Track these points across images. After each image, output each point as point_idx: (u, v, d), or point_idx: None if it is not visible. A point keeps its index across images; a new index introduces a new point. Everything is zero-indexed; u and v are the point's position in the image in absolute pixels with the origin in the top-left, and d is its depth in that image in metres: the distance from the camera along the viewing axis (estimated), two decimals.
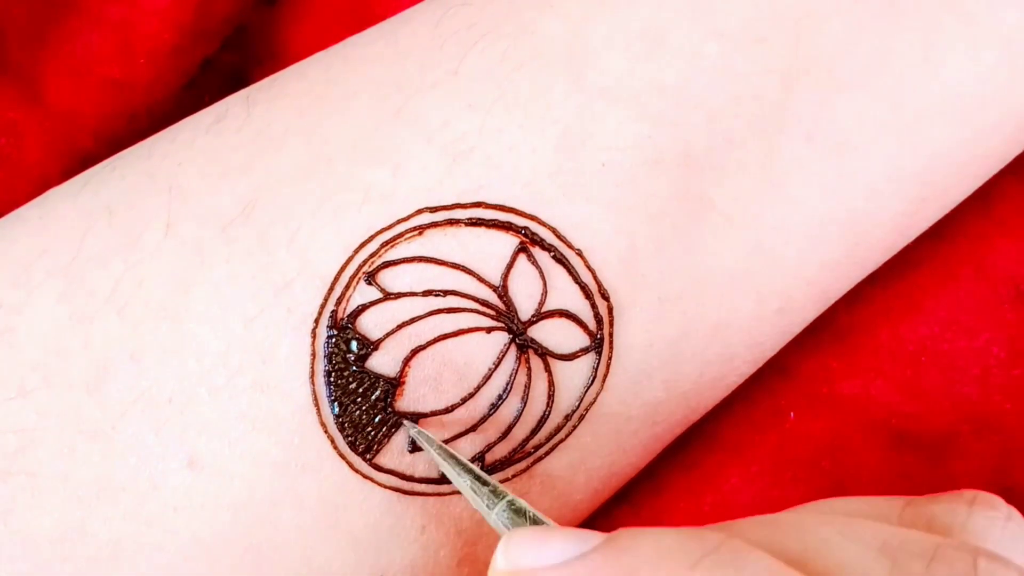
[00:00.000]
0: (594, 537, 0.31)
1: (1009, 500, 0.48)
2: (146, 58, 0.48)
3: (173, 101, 0.49)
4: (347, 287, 0.38)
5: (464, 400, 0.39)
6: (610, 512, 0.49)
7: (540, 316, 0.39)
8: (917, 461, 0.48)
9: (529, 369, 0.39)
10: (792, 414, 0.49)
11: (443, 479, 0.39)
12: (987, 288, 0.50)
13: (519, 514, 0.35)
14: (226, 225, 0.39)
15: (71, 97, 0.48)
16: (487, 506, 0.35)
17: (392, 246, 0.38)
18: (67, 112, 0.48)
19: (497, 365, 0.39)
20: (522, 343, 0.39)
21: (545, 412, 0.40)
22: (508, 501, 0.35)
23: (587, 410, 0.40)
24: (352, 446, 0.38)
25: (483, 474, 0.36)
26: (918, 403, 0.49)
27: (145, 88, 0.48)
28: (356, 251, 0.38)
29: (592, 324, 0.40)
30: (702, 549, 0.29)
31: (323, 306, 0.38)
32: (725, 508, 0.49)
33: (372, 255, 0.38)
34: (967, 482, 0.48)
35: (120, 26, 0.47)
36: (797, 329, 0.45)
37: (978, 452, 0.48)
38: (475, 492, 0.36)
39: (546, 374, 0.40)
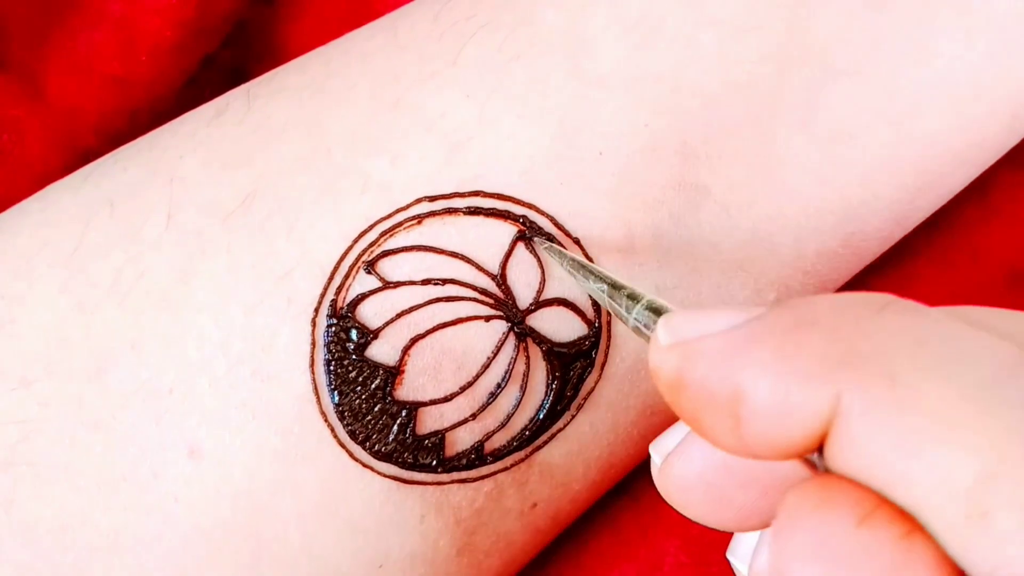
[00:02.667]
0: (760, 308, 0.29)
1: None
2: (148, 55, 0.48)
3: (174, 98, 0.49)
4: (347, 276, 0.39)
5: (463, 389, 0.39)
6: (610, 505, 0.49)
7: (538, 304, 0.40)
8: None
9: (528, 358, 0.40)
10: None
11: (442, 468, 0.39)
12: (983, 274, 0.50)
13: (658, 313, 0.32)
14: (226, 215, 0.39)
15: (73, 94, 0.48)
16: (625, 310, 0.34)
17: (391, 235, 0.39)
18: (69, 109, 0.48)
19: (496, 354, 0.39)
20: (520, 332, 0.39)
21: (543, 401, 0.40)
22: (647, 301, 0.33)
23: (585, 399, 0.40)
24: (352, 435, 0.39)
25: (619, 280, 0.35)
26: None
27: (146, 85, 0.48)
28: (356, 240, 0.39)
29: (590, 313, 0.40)
30: (886, 299, 0.27)
31: (323, 295, 0.39)
32: None
33: (371, 244, 0.39)
34: None
35: (122, 23, 0.48)
36: None
37: None
38: (612, 299, 0.35)
39: (544, 363, 0.40)
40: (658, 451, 0.34)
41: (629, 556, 0.48)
